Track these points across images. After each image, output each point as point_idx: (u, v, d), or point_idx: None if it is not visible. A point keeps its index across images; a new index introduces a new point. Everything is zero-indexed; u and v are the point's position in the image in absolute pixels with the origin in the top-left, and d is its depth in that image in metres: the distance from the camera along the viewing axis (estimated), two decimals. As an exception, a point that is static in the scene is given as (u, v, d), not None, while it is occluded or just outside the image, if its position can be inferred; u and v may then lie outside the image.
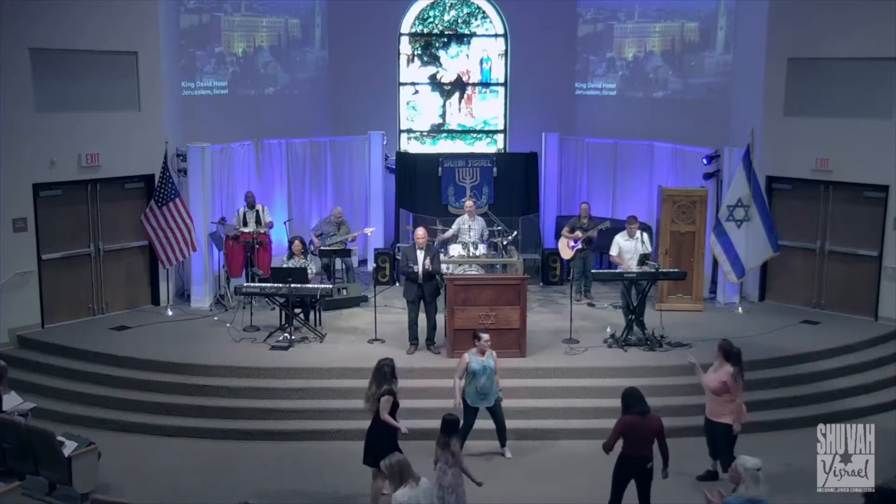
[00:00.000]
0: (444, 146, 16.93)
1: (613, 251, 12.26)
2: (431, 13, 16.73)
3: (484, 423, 10.03)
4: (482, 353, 9.34)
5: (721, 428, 8.68)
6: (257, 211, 13.62)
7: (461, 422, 8.13)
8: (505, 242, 13.29)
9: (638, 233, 12.24)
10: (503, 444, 9.68)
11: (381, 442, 8.04)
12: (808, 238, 13.38)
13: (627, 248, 12.18)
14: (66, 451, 8.28)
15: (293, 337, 11.64)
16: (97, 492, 8.26)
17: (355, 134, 15.65)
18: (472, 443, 9.56)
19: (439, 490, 7.47)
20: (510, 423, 9.86)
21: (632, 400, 7.86)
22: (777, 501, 7.37)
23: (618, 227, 13.59)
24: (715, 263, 13.43)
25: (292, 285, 11.62)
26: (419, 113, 17.02)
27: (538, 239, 15.65)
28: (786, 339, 11.95)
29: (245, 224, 13.41)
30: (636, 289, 11.68)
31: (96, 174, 12.45)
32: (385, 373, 8.23)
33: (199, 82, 14.31)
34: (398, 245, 14.38)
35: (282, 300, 11.82)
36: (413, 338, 11.38)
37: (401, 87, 16.77)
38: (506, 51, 16.77)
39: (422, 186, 15.08)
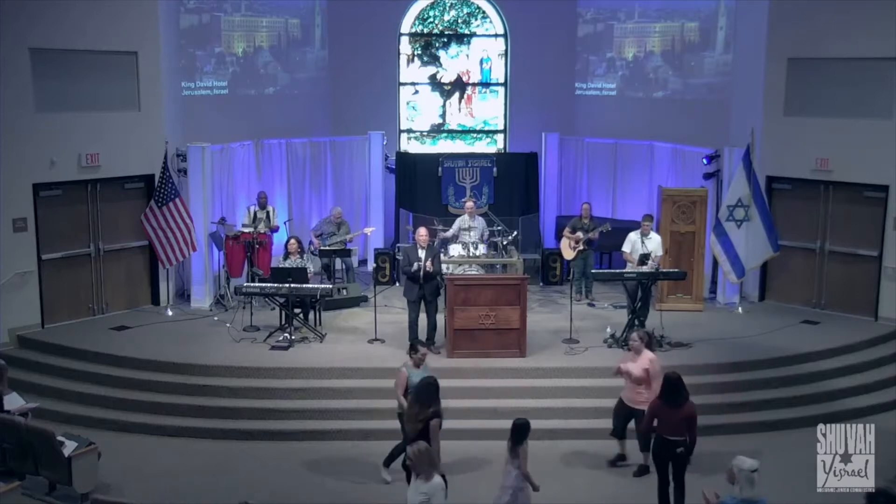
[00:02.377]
0: (444, 146, 16.93)
1: (626, 248, 12.24)
2: (431, 13, 16.73)
3: (483, 422, 10.04)
4: (418, 365, 8.80)
5: (640, 414, 8.89)
6: (267, 212, 13.65)
7: (530, 426, 7.68)
8: (505, 242, 13.29)
9: (652, 233, 12.20)
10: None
11: None
12: (808, 238, 13.37)
13: (638, 247, 12.15)
14: (66, 451, 8.28)
15: (293, 337, 11.63)
16: (97, 492, 8.25)
17: (355, 134, 15.65)
18: (475, 443, 9.56)
19: (501, 488, 7.55)
20: (511, 423, 9.85)
21: (667, 390, 8.09)
22: (777, 501, 7.38)
23: (618, 227, 13.63)
24: (715, 263, 13.43)
25: (292, 285, 11.62)
26: (419, 113, 17.02)
27: (538, 239, 15.65)
28: (786, 339, 11.95)
29: (255, 222, 13.41)
30: (641, 288, 11.67)
31: (96, 174, 12.45)
32: (431, 392, 7.85)
33: (199, 82, 14.31)
34: (398, 245, 14.39)
35: (282, 300, 11.82)
36: (413, 338, 11.35)
37: (401, 87, 16.76)
38: (506, 51, 16.77)
39: (422, 186, 15.08)
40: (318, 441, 10.00)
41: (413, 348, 8.87)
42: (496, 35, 16.79)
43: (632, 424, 9.16)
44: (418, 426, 7.71)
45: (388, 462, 8.95)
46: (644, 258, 11.82)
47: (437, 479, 6.64)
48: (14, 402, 8.83)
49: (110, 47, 12.39)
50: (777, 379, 11.00)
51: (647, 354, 9.07)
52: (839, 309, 13.11)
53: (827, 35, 12.73)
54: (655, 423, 8.18)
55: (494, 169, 15.05)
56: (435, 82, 16.93)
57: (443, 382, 10.54)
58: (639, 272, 11.73)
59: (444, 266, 12.11)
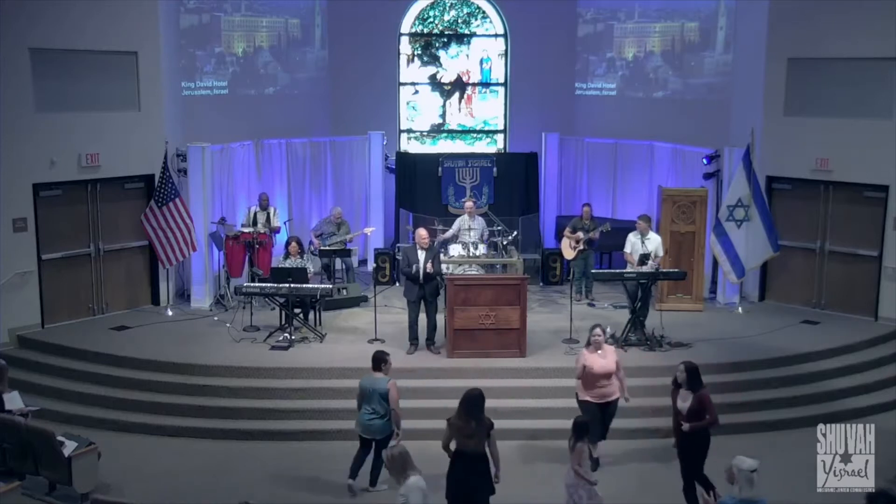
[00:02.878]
0: (444, 146, 16.93)
1: (626, 248, 12.25)
2: (431, 13, 16.74)
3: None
4: (387, 373, 8.71)
5: (615, 404, 9.22)
6: (268, 213, 13.65)
7: (587, 425, 7.77)
8: (505, 242, 13.29)
9: (651, 233, 12.19)
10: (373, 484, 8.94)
11: (488, 478, 7.53)
12: (808, 238, 13.37)
13: (637, 248, 12.15)
14: (66, 451, 8.28)
15: (293, 337, 11.64)
16: (97, 492, 8.26)
17: (355, 134, 15.65)
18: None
19: (565, 488, 7.61)
20: (511, 423, 9.85)
21: (698, 379, 8.20)
22: (777, 501, 7.38)
23: (618, 227, 13.63)
24: (715, 263, 13.43)
25: (292, 285, 11.62)
26: (419, 113, 17.02)
27: (538, 239, 15.65)
28: (786, 339, 11.95)
29: (255, 224, 13.41)
30: (642, 288, 11.67)
31: (96, 174, 12.45)
32: (481, 404, 7.58)
33: (199, 82, 14.31)
34: (398, 245, 14.39)
35: (282, 300, 11.82)
36: (413, 338, 11.38)
37: (401, 87, 16.77)
38: (506, 51, 16.77)
39: (422, 186, 15.09)
40: (318, 441, 10.01)
41: (383, 360, 8.65)
42: (496, 35, 16.79)
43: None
44: (484, 441, 7.47)
45: (374, 481, 8.87)
46: (644, 258, 11.82)
47: (411, 479, 6.69)
48: (14, 401, 8.83)
49: (110, 47, 12.39)
50: (777, 379, 11.00)
51: (609, 347, 9.30)
52: (839, 309, 13.11)
53: (827, 35, 12.73)
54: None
55: (494, 169, 15.05)
56: (435, 82, 16.93)
57: (443, 382, 10.62)
58: (639, 272, 11.74)
59: (444, 266, 12.11)
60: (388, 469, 6.89)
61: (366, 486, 8.83)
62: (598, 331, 9.21)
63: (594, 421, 9.16)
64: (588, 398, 9.16)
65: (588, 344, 9.25)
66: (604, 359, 9.11)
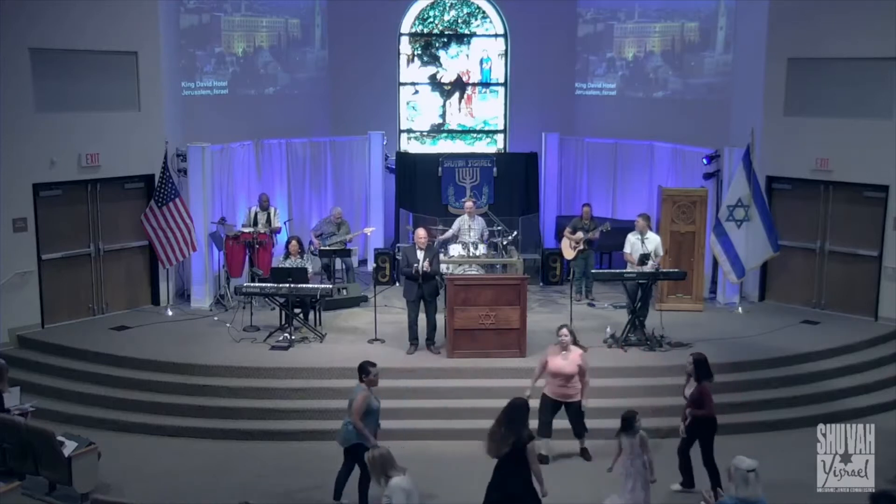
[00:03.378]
0: (444, 146, 16.94)
1: (626, 249, 12.26)
2: (431, 13, 16.74)
3: (483, 422, 10.01)
4: (371, 386, 8.47)
5: (577, 406, 9.35)
6: (268, 213, 13.65)
7: (637, 418, 7.99)
8: (505, 242, 13.29)
9: (650, 232, 12.19)
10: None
11: (527, 489, 7.31)
12: (808, 238, 13.38)
13: (637, 248, 12.15)
14: (66, 451, 8.28)
15: (293, 337, 11.64)
16: (97, 492, 8.26)
17: (355, 134, 15.66)
18: (475, 443, 9.54)
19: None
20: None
21: (707, 370, 8.58)
22: (777, 501, 7.37)
23: (618, 227, 13.63)
24: (715, 263, 13.44)
25: (292, 285, 11.62)
26: (419, 113, 17.02)
27: (538, 239, 15.65)
28: (786, 339, 11.95)
29: (255, 224, 13.41)
30: (642, 288, 11.68)
31: (96, 174, 12.45)
32: (523, 414, 7.38)
33: (199, 82, 14.31)
34: (398, 245, 14.39)
35: (282, 300, 11.82)
36: (413, 338, 11.38)
37: (401, 87, 16.77)
38: (506, 51, 16.77)
39: (422, 186, 15.09)
40: (318, 441, 9.98)
41: (363, 370, 8.40)
42: (496, 35, 16.80)
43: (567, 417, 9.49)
44: (504, 450, 7.27)
45: (363, 496, 8.49)
46: (644, 258, 11.82)
47: (394, 479, 6.66)
48: (13, 398, 8.84)
49: (110, 47, 12.39)
50: (777, 379, 11.00)
51: (576, 350, 9.33)
52: (839, 309, 13.11)
53: (827, 35, 12.73)
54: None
55: (494, 169, 15.06)
56: (435, 82, 16.93)
57: (443, 382, 10.63)
58: (639, 272, 11.74)
59: (444, 266, 12.11)
60: (370, 470, 6.88)
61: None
62: (564, 331, 9.33)
63: (543, 415, 9.39)
64: (547, 393, 9.36)
65: (556, 343, 9.40)
66: (565, 360, 9.22)
